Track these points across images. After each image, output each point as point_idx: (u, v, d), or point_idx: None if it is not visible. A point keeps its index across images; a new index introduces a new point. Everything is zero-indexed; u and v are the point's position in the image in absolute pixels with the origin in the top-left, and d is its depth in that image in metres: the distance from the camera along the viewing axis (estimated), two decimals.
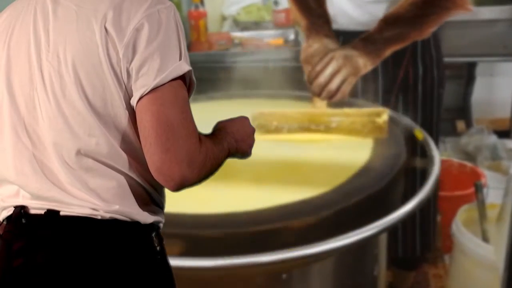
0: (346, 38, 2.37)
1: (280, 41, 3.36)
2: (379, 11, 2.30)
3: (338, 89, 2.25)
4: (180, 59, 1.09)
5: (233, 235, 1.77)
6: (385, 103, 2.40)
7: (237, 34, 3.45)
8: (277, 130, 2.23)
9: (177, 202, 1.79)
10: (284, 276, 1.84)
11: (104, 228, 1.10)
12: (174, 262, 1.57)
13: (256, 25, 3.59)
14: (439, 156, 2.18)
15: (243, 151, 1.23)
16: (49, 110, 1.09)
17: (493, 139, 3.37)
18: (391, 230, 2.43)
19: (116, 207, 1.10)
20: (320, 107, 2.36)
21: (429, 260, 2.82)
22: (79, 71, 1.07)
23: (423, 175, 2.13)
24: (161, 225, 1.19)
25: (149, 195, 1.15)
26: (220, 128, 1.21)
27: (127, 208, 1.11)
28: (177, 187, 1.07)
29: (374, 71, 2.40)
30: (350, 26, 2.34)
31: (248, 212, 1.77)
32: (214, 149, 1.12)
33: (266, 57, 3.22)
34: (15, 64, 1.13)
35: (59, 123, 1.09)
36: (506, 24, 3.20)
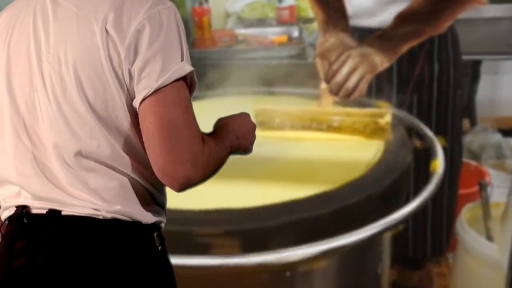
0: (364, 35, 2.35)
1: (284, 38, 3.35)
2: (400, 9, 2.28)
3: (355, 87, 2.25)
4: (182, 60, 1.09)
5: (235, 233, 1.77)
6: (399, 102, 2.39)
7: (241, 31, 3.45)
8: (279, 127, 2.22)
9: (179, 199, 1.80)
10: (287, 274, 1.83)
11: (105, 228, 1.10)
12: (177, 260, 1.58)
13: (260, 22, 3.59)
14: (443, 156, 2.16)
15: (245, 148, 1.23)
16: (50, 111, 1.09)
17: (497, 137, 3.36)
18: (402, 230, 2.44)
19: (118, 207, 1.10)
20: (326, 104, 2.36)
21: (433, 259, 2.81)
22: (80, 73, 1.07)
23: (428, 175, 2.12)
24: (162, 225, 1.19)
25: (151, 195, 1.15)
26: (222, 125, 1.21)
27: (129, 208, 1.11)
28: (181, 188, 1.07)
29: (389, 70, 2.39)
30: (369, 23, 2.33)
31: (249, 209, 1.76)
32: (217, 148, 1.12)
33: (270, 54, 3.21)
34: (15, 64, 1.13)
35: (60, 124, 1.09)
36: (511, 22, 3.18)
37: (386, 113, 2.21)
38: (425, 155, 2.31)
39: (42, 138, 1.11)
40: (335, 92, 2.28)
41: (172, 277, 1.20)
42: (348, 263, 1.98)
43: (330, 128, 2.21)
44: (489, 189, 2.48)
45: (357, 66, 2.25)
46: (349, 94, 2.27)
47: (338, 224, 1.79)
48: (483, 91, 3.65)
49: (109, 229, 1.11)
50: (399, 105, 2.38)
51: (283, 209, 1.78)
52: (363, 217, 1.81)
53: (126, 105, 1.09)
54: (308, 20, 3.43)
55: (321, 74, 2.35)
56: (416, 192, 2.01)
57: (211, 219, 1.78)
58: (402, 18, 2.23)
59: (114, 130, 1.09)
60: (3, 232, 1.15)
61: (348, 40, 2.32)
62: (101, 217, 1.10)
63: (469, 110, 3.64)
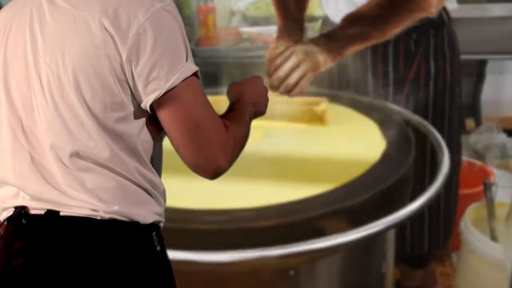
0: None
1: None
2: None
3: (296, 83, 2.24)
4: (187, 59, 1.09)
5: (240, 230, 1.77)
6: (396, 103, 2.38)
7: (246, 29, 3.45)
8: None
9: (186, 197, 1.81)
10: (291, 272, 1.83)
11: (103, 229, 1.10)
12: (180, 255, 1.59)
13: (265, 20, 3.58)
14: (448, 155, 2.16)
15: (261, 112, 1.28)
16: (47, 112, 1.09)
17: (502, 137, 3.36)
18: (400, 226, 2.43)
19: (116, 207, 1.10)
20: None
21: (437, 258, 2.81)
22: (78, 73, 1.06)
23: (433, 174, 2.11)
24: (161, 224, 1.19)
25: (149, 194, 1.15)
26: (237, 97, 1.24)
27: (127, 209, 1.11)
28: (214, 177, 1.13)
29: (385, 70, 2.39)
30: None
31: (250, 208, 1.77)
32: (239, 130, 1.17)
33: None
34: (12, 65, 1.13)
35: (57, 125, 1.08)
36: None
37: (321, 101, 2.29)
38: (430, 153, 2.31)
39: (39, 139, 1.10)
40: (275, 86, 2.28)
41: (171, 277, 1.20)
42: (352, 262, 1.98)
43: (273, 116, 2.22)
44: (493, 189, 2.48)
45: (300, 63, 2.24)
46: (289, 90, 2.27)
47: (343, 223, 1.79)
48: (488, 90, 3.64)
49: (107, 229, 1.10)
50: (396, 104, 2.38)
51: (284, 209, 1.78)
52: (367, 215, 1.81)
53: (126, 105, 1.09)
54: (313, 19, 3.42)
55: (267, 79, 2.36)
56: (421, 190, 2.00)
57: (215, 217, 1.78)
58: (350, 20, 2.23)
59: (112, 131, 1.09)
60: (2, 233, 1.15)
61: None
62: (99, 218, 1.09)
63: (474, 109, 3.63)
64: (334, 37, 2.25)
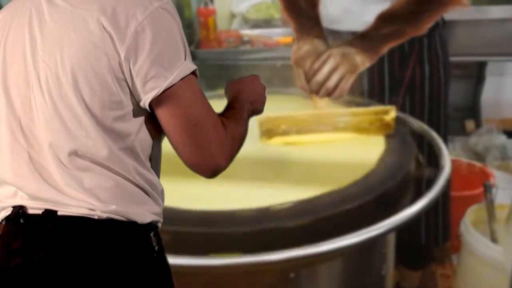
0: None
1: (289, 39, 3.34)
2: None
3: (336, 86, 2.24)
4: (185, 57, 1.10)
5: (239, 234, 1.77)
6: (392, 104, 2.39)
7: (246, 32, 3.45)
8: (285, 133, 2.23)
9: (186, 199, 1.81)
10: (292, 275, 1.84)
11: (101, 228, 1.10)
12: (180, 260, 1.59)
13: (265, 23, 3.59)
14: (449, 157, 2.16)
15: (258, 111, 1.29)
16: (46, 111, 1.09)
17: (502, 139, 3.36)
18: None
19: (113, 207, 1.10)
20: (321, 106, 2.37)
21: (437, 260, 2.81)
22: (76, 72, 1.07)
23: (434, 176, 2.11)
24: (159, 224, 1.19)
25: (147, 194, 1.15)
26: (235, 95, 1.25)
27: (124, 208, 1.11)
28: (213, 175, 1.14)
29: (380, 72, 2.39)
30: (356, 26, 2.33)
31: (252, 210, 1.77)
32: (238, 128, 1.17)
33: (275, 55, 3.21)
34: (11, 65, 1.13)
35: (56, 124, 1.09)
36: None
37: (391, 109, 2.23)
38: (429, 156, 2.31)
39: (38, 138, 1.11)
40: (315, 91, 2.28)
41: (170, 277, 1.20)
42: (352, 265, 1.98)
43: (336, 129, 2.22)
44: (493, 190, 2.48)
45: (338, 66, 2.25)
46: (329, 93, 2.27)
47: (341, 226, 1.79)
48: (488, 92, 3.64)
49: (104, 229, 1.10)
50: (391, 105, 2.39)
51: (286, 212, 1.78)
52: (368, 218, 1.81)
53: (125, 104, 1.09)
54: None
55: (297, 81, 2.34)
56: (419, 193, 2.01)
57: (216, 219, 1.78)
58: (383, 19, 2.23)
59: (110, 130, 1.09)
60: (0, 233, 1.15)
61: (323, 46, 2.32)
62: (96, 217, 1.09)
63: (474, 111, 3.64)
64: (369, 37, 2.25)
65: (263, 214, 1.76)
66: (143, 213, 1.14)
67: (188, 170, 1.14)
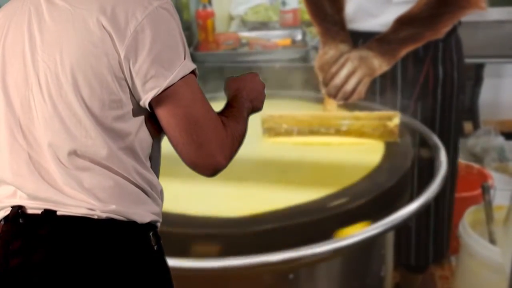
0: (366, 39, 2.33)
1: (287, 41, 3.36)
2: (400, 10, 2.27)
3: (354, 90, 2.24)
4: (184, 57, 1.10)
5: (239, 235, 1.77)
6: (404, 108, 2.38)
7: (245, 34, 3.45)
8: (287, 133, 2.23)
9: (184, 202, 1.81)
10: (291, 276, 1.84)
11: (100, 228, 1.10)
12: (179, 262, 1.59)
13: (264, 25, 3.59)
14: (446, 160, 2.16)
15: (257, 109, 1.29)
16: (45, 111, 1.09)
17: (500, 140, 3.36)
18: (404, 236, 2.44)
19: (113, 207, 1.10)
20: (331, 109, 2.36)
21: (436, 261, 2.81)
22: (76, 72, 1.07)
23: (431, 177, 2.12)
24: (158, 224, 1.19)
25: (146, 194, 1.15)
26: (235, 93, 1.25)
27: (124, 208, 1.11)
28: (213, 174, 1.14)
29: (393, 76, 2.39)
30: (371, 27, 2.33)
31: (252, 210, 1.77)
32: (237, 127, 1.18)
33: (273, 57, 3.22)
34: (10, 64, 1.13)
35: (55, 123, 1.09)
36: None
37: (394, 115, 2.22)
38: (428, 157, 2.31)
39: (37, 137, 1.11)
40: (333, 94, 2.28)
41: (169, 277, 1.20)
42: (351, 266, 1.99)
43: (339, 132, 2.22)
44: (492, 192, 2.48)
45: (356, 69, 2.25)
46: (347, 97, 2.27)
47: (340, 227, 1.79)
48: (486, 94, 3.65)
49: (104, 229, 1.10)
50: (403, 110, 2.38)
51: (286, 213, 1.79)
52: (366, 219, 1.82)
53: (125, 103, 1.09)
54: (312, 24, 3.44)
55: (322, 87, 2.34)
56: (418, 194, 2.01)
57: (216, 222, 1.78)
58: (401, 22, 2.23)
59: (110, 129, 1.09)
60: None
61: (348, 51, 2.31)
62: (96, 217, 1.09)
63: (472, 113, 3.64)
64: (387, 40, 2.25)
65: (263, 215, 1.77)
66: (143, 213, 1.14)
67: (188, 170, 1.14)
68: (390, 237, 2.11)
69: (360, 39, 2.35)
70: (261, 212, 1.77)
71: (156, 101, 1.09)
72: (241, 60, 3.23)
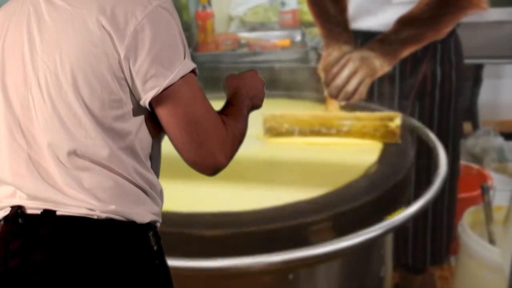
0: (366, 39, 2.33)
1: (286, 42, 3.36)
2: (400, 10, 2.27)
3: (355, 90, 2.25)
4: (184, 56, 1.10)
5: (239, 235, 1.77)
6: (401, 109, 2.38)
7: (244, 35, 3.46)
8: (288, 132, 2.23)
9: (184, 202, 1.81)
10: (290, 276, 1.84)
11: (100, 228, 1.10)
12: (179, 262, 1.59)
13: (263, 26, 3.60)
14: (446, 161, 2.16)
15: (257, 106, 1.29)
16: (45, 111, 1.09)
17: (499, 141, 3.36)
18: (402, 238, 2.44)
19: (113, 207, 1.10)
20: (333, 109, 2.36)
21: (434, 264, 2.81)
22: (76, 72, 1.07)
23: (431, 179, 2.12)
24: (158, 224, 1.19)
25: (146, 194, 1.15)
26: (234, 91, 1.25)
27: (124, 208, 1.11)
28: (213, 173, 1.14)
29: (391, 76, 2.39)
30: (370, 26, 2.33)
31: (254, 211, 1.77)
32: (238, 125, 1.18)
33: (272, 57, 3.22)
34: (9, 64, 1.13)
35: (55, 123, 1.09)
36: None
37: (396, 116, 2.21)
38: (427, 158, 2.31)
39: (37, 138, 1.11)
40: (334, 95, 2.29)
41: (168, 277, 1.20)
42: (351, 266, 1.99)
43: (340, 133, 2.22)
44: (491, 192, 2.48)
45: (357, 70, 2.25)
46: (348, 97, 2.27)
47: (340, 228, 1.79)
48: (485, 94, 3.65)
49: (103, 229, 1.10)
50: (401, 110, 2.38)
51: (285, 212, 1.79)
52: (365, 220, 1.82)
53: (125, 103, 1.09)
54: (311, 24, 3.44)
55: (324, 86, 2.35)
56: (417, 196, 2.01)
57: (216, 222, 1.78)
58: (403, 22, 2.23)
59: (110, 129, 1.09)
60: None
61: (351, 52, 2.31)
62: (95, 217, 1.09)
63: (471, 113, 3.64)
64: (388, 41, 2.25)
65: (262, 215, 1.77)
66: (142, 213, 1.14)
67: (188, 170, 1.14)
68: (389, 237, 2.11)
69: (358, 39, 2.35)
70: (261, 212, 1.77)
71: (156, 100, 1.09)
72: (241, 61, 3.23)
